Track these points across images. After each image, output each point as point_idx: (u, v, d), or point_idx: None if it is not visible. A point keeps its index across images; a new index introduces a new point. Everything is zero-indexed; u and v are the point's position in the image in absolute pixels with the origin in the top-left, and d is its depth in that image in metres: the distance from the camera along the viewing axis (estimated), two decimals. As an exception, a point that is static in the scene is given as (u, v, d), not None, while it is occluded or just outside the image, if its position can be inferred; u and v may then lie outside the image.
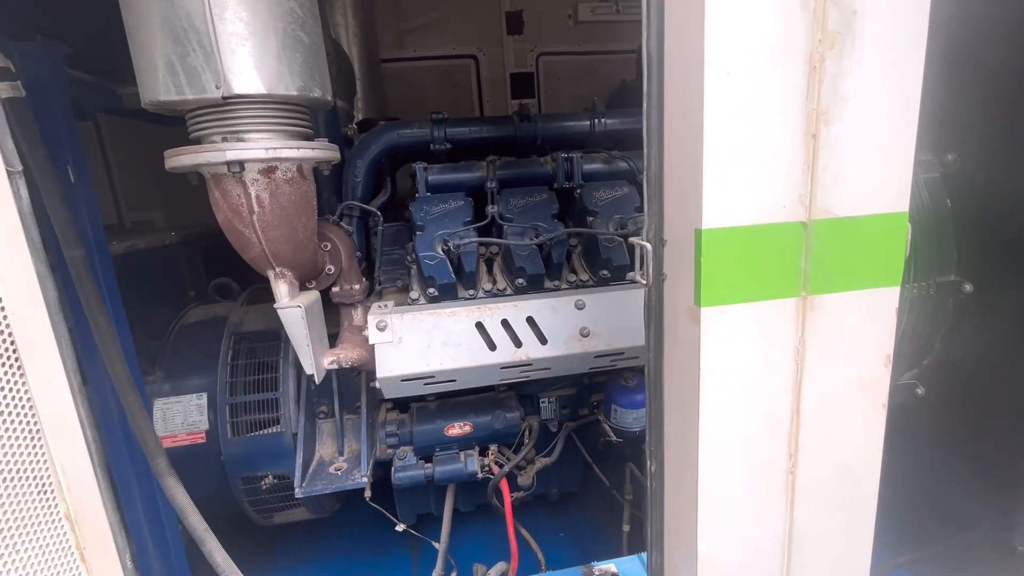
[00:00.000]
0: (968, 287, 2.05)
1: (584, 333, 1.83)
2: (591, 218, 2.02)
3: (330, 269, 1.97)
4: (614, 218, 1.99)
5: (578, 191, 2.12)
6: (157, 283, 2.49)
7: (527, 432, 2.38)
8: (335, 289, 2.02)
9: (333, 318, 2.12)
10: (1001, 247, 2.00)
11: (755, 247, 1.02)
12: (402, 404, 2.41)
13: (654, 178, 1.12)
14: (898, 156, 1.03)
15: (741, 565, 1.20)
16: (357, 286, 2.03)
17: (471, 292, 1.99)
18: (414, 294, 1.96)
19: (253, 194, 1.41)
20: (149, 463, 1.44)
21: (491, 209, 1.94)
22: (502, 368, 1.82)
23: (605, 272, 1.99)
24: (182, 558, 1.98)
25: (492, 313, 1.79)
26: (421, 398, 2.37)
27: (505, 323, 1.80)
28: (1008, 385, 2.00)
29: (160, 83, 1.27)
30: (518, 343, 1.79)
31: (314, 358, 1.69)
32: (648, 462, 1.31)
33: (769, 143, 0.98)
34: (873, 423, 1.16)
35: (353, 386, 2.32)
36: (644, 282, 1.12)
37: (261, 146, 1.35)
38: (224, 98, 1.29)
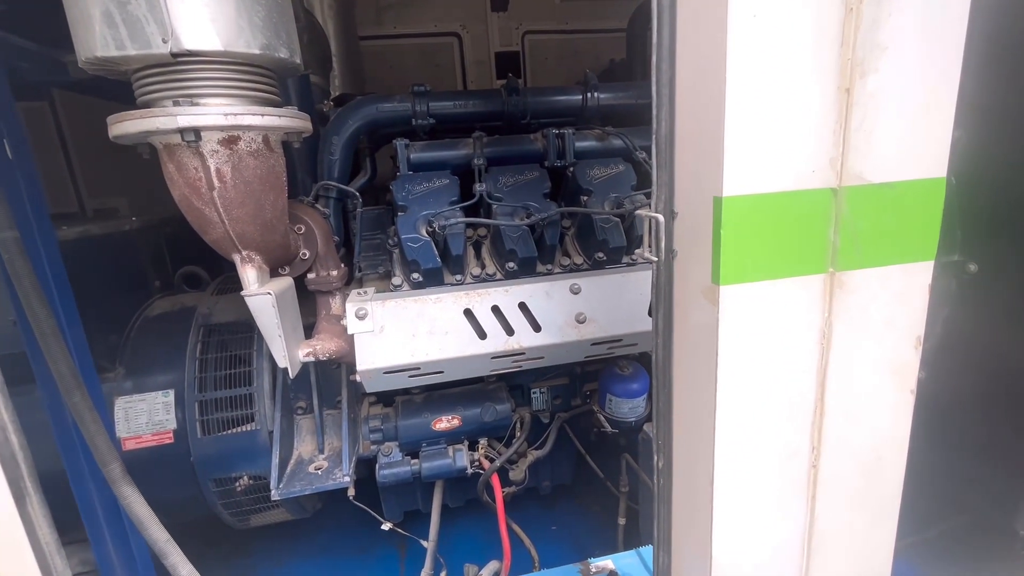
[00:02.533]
0: (973, 267, 1.99)
1: (580, 319, 1.71)
2: (585, 197, 1.90)
3: (304, 254, 1.81)
4: (610, 197, 1.87)
5: (571, 169, 1.99)
6: (116, 272, 2.30)
7: (519, 424, 2.27)
8: (311, 276, 1.87)
9: (309, 308, 1.98)
10: (1006, 227, 1.93)
11: (780, 218, 0.91)
12: (386, 398, 2.27)
13: (664, 143, 0.99)
14: (937, 115, 0.92)
15: (758, 564, 1.11)
16: (335, 272, 1.88)
17: (458, 277, 1.85)
18: (396, 280, 1.82)
19: (212, 167, 1.26)
20: (101, 469, 1.29)
21: (479, 187, 1.81)
22: (493, 358, 1.70)
23: (600, 255, 1.87)
24: (149, 569, 1.83)
25: (482, 299, 1.66)
26: (406, 391, 2.23)
27: (496, 310, 1.67)
28: (1010, 368, 1.95)
29: (97, 36, 1.10)
30: (510, 331, 1.67)
31: (287, 350, 1.55)
32: (655, 457, 1.20)
33: (799, 98, 0.86)
34: (901, 410, 1.07)
35: (333, 380, 2.17)
36: (654, 259, 1.00)
37: (219, 111, 1.19)
38: (173, 55, 1.13)
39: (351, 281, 2.06)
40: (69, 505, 1.63)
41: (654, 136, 1.01)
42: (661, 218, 0.98)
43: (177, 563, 1.31)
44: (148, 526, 1.29)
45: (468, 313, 1.65)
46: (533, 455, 2.37)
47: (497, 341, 1.66)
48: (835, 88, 0.87)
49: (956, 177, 2.03)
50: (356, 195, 1.99)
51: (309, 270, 1.87)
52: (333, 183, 2.01)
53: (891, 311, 1.00)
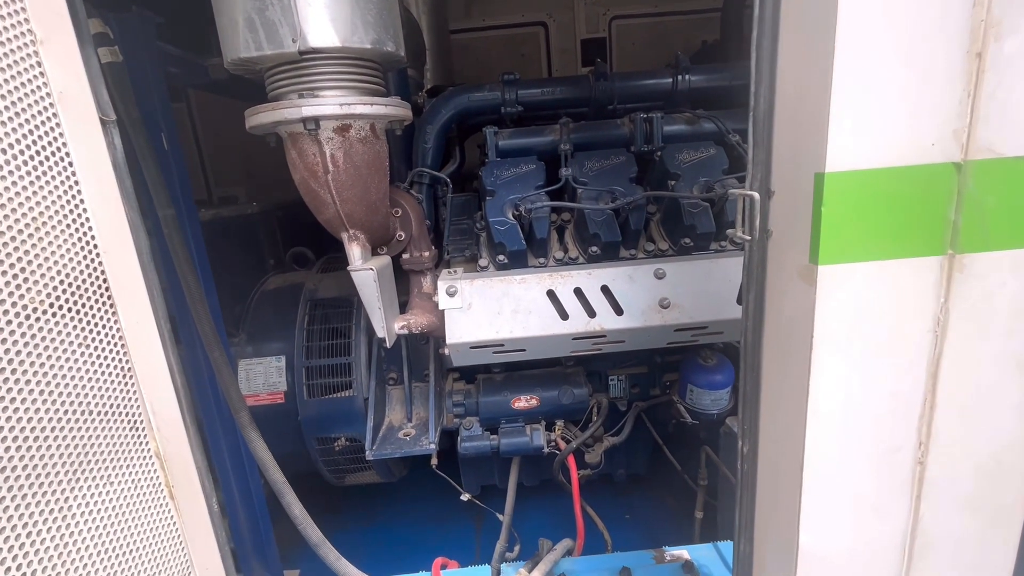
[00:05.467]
0: None
1: (664, 304, 1.70)
2: (673, 182, 1.87)
3: (400, 235, 1.95)
4: (699, 181, 1.82)
5: (658, 153, 1.96)
6: (240, 250, 2.61)
7: (595, 409, 2.29)
8: (405, 256, 2.01)
9: (403, 286, 2.13)
10: None
11: (891, 194, 0.86)
12: (468, 375, 2.39)
13: (763, 119, 0.97)
14: (1091, 79, 0.82)
15: (849, 562, 1.06)
16: (427, 253, 2.01)
17: (541, 260, 1.91)
18: (483, 261, 1.90)
19: (328, 152, 1.40)
20: (233, 416, 1.50)
21: (564, 171, 1.84)
22: (574, 339, 1.73)
23: (687, 240, 1.83)
24: (264, 508, 2.09)
25: (565, 281, 1.70)
26: (487, 369, 2.34)
27: (578, 292, 1.70)
28: None
29: (240, 40, 1.27)
30: (592, 313, 1.70)
31: (385, 322, 1.69)
32: (740, 442, 1.18)
33: (919, 63, 0.81)
34: (1029, 410, 0.96)
35: (422, 354, 2.32)
36: (747, 238, 0.98)
37: (335, 102, 1.33)
38: (300, 53, 1.28)
39: (440, 263, 2.19)
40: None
41: (751, 113, 0.99)
42: (756, 196, 0.96)
43: (291, 502, 1.49)
44: (269, 468, 1.49)
45: (551, 294, 1.70)
46: (609, 441, 2.38)
47: (578, 322, 1.69)
48: (964, 52, 0.80)
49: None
50: (447, 181, 2.10)
51: (404, 251, 2.02)
52: (427, 170, 2.14)
53: (1019, 298, 0.90)
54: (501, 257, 1.85)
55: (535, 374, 2.31)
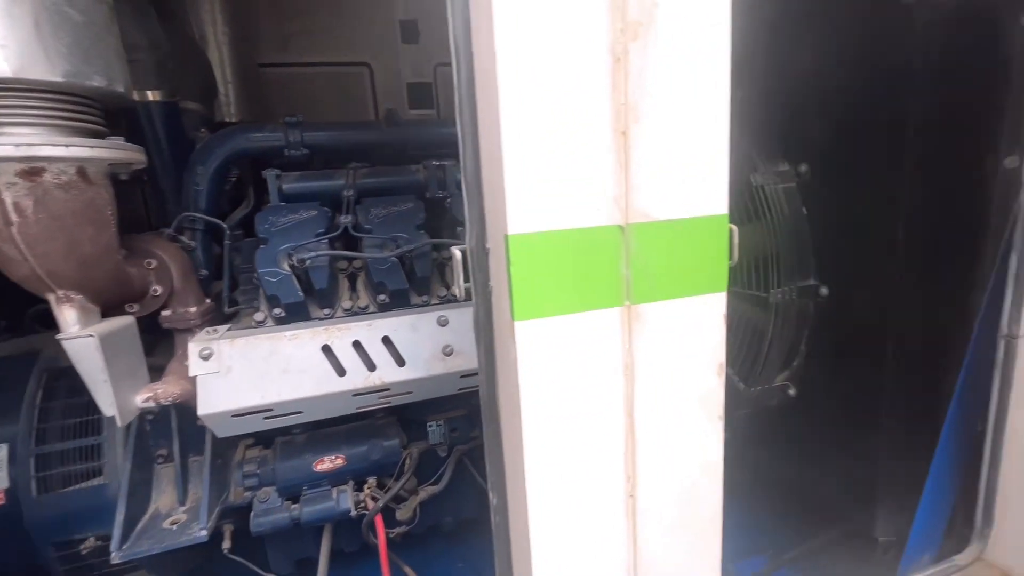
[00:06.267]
0: (824, 291, 2.15)
1: (447, 352, 1.69)
2: (461, 228, 1.90)
3: (156, 290, 1.70)
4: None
5: (449, 200, 2.00)
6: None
7: (406, 461, 2.19)
8: (165, 312, 1.75)
9: (169, 347, 1.84)
10: (849, 252, 2.12)
11: (572, 253, 0.94)
12: (266, 439, 2.14)
13: (471, 179, 1.01)
14: (713, 158, 0.99)
15: (587, 601, 1.10)
16: (193, 309, 1.77)
17: (327, 311, 1.79)
18: (260, 315, 1.73)
19: (9, 201, 1.15)
20: None
21: (344, 219, 1.77)
22: (355, 395, 1.64)
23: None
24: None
25: (343, 335, 1.61)
26: (286, 430, 2.11)
27: (357, 345, 1.62)
28: (860, 384, 2.11)
29: None
30: (372, 366, 1.62)
31: (118, 397, 1.42)
32: (489, 495, 1.18)
33: (578, 141, 0.90)
34: (711, 437, 1.11)
35: (198, 424, 2.02)
36: (460, 295, 1.00)
37: (11, 142, 1.10)
38: (-47, 80, 1.04)
39: (233, 316, 1.94)
40: None
41: (463, 174, 1.03)
42: (460, 254, 0.98)
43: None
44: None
45: (327, 349, 1.59)
46: (427, 491, 2.29)
47: (357, 377, 1.60)
48: (612, 131, 0.92)
49: (807, 207, 2.21)
50: (223, 226, 1.90)
51: (164, 306, 1.76)
52: (198, 214, 1.91)
53: (690, 341, 1.04)
54: (278, 311, 1.70)
55: (341, 430, 2.15)
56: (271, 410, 1.56)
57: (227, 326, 1.68)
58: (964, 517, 1.85)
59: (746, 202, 2.18)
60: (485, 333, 1.07)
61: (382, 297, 1.79)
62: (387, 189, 1.97)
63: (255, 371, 1.52)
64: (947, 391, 1.76)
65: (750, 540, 2.47)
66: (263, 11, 3.70)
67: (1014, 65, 1.55)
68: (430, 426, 2.33)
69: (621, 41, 0.89)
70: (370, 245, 1.78)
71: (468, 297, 1.08)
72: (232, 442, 2.12)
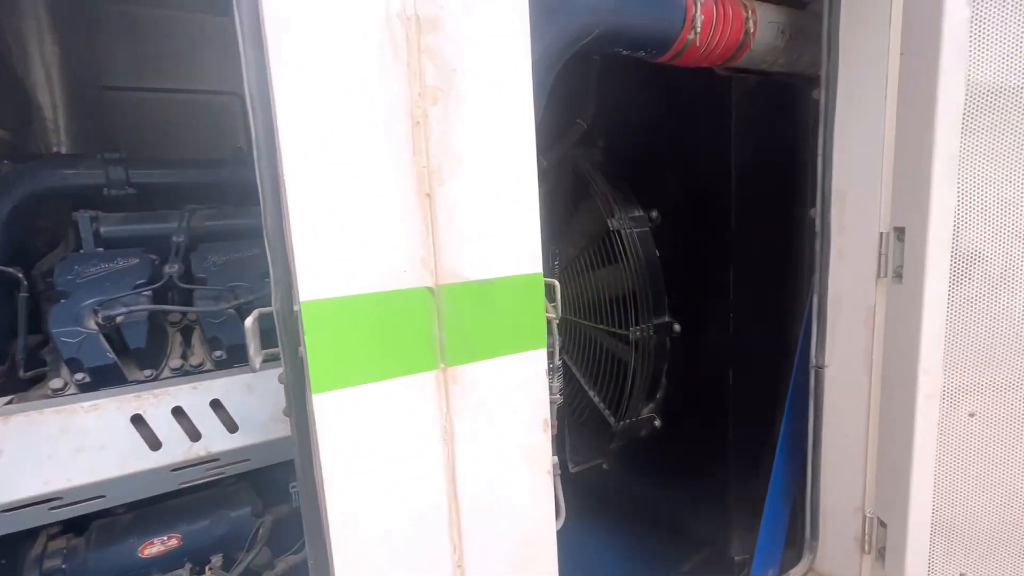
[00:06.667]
0: (677, 327, 2.32)
1: (288, 413, 1.55)
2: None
3: (-87, 357, 1.38)
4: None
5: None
6: None
7: (259, 531, 1.96)
8: (-72, 384, 1.43)
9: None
10: (695, 291, 2.31)
11: (378, 318, 0.89)
12: (79, 524, 1.81)
13: (274, 236, 0.94)
14: (524, 217, 1.01)
15: None
16: (-32, 377, 1.47)
17: (150, 373, 1.58)
18: (57, 383, 1.47)
19: None
20: None
21: (169, 269, 1.59)
22: (174, 470, 1.44)
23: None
24: None
25: (159, 401, 1.41)
26: (106, 511, 1.80)
27: (178, 412, 1.43)
28: (711, 413, 2.28)
29: None
30: (195, 435, 1.44)
31: None
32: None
33: (378, 204, 0.87)
34: (542, 493, 1.10)
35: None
36: (255, 366, 0.91)
37: None
38: None
39: (39, 382, 1.62)
40: None
41: (264, 231, 0.95)
42: (252, 320, 0.90)
43: None
44: None
45: (137, 420, 1.39)
46: (285, 563, 2.07)
47: (176, 450, 1.41)
48: (415, 193, 0.90)
49: (660, 250, 2.38)
50: (18, 276, 1.62)
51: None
52: (-15, 262, 1.62)
53: (512, 399, 1.03)
54: (81, 376, 1.46)
55: (178, 504, 1.87)
56: (60, 499, 1.31)
57: (7, 398, 1.41)
58: (799, 532, 2.03)
59: (604, 246, 2.30)
60: (297, 404, 0.98)
61: (218, 354, 1.62)
62: (230, 234, 1.81)
63: (37, 453, 1.27)
64: (781, 417, 1.94)
65: (630, 572, 2.53)
66: (112, 28, 3.36)
67: (809, 131, 1.80)
68: (293, 487, 2.12)
69: (420, 105, 0.88)
70: (204, 297, 1.60)
71: (288, 364, 0.99)
72: (31, 531, 1.77)
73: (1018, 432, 1.48)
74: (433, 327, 0.94)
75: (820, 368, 1.81)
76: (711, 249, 2.19)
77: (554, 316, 1.08)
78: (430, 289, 0.93)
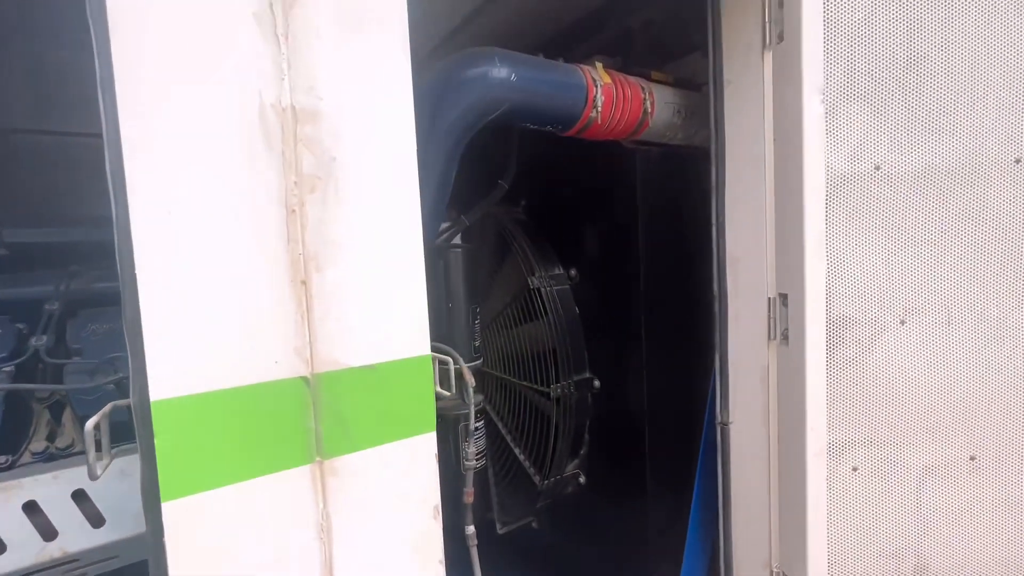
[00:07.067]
0: (597, 383, 2.36)
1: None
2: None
3: None
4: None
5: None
6: None
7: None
8: None
9: None
10: (612, 347, 2.38)
11: (242, 413, 0.84)
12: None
13: (132, 322, 0.87)
14: (410, 299, 1.00)
15: None
16: None
17: (5, 459, 1.40)
18: None
19: None
20: None
21: (36, 341, 1.45)
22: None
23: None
24: None
25: (8, 496, 1.25)
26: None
27: (31, 507, 1.27)
28: (631, 467, 2.31)
29: None
30: (51, 534, 1.28)
31: None
32: None
33: (245, 292, 0.84)
34: (432, 584, 1.05)
35: None
36: (93, 474, 0.83)
37: None
38: None
39: None
40: None
41: (124, 321, 0.89)
42: (94, 426, 0.82)
43: None
44: None
45: (-22, 520, 1.22)
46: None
47: (27, 551, 1.24)
48: (290, 282, 0.88)
49: (580, 307, 2.44)
50: None
51: None
52: None
53: (398, 488, 0.99)
54: (-88, 468, 1.27)
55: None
56: None
57: None
58: (716, 584, 2.06)
59: (526, 303, 2.34)
60: (152, 510, 0.89)
61: (92, 433, 1.46)
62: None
63: None
64: (695, 472, 1.99)
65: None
66: (14, 65, 3.15)
67: (708, 197, 1.93)
68: None
69: (296, 194, 0.87)
70: (78, 371, 1.46)
71: (144, 462, 0.90)
72: None
73: (894, 484, 1.58)
74: (308, 418, 0.89)
75: (725, 425, 1.88)
76: (625, 307, 2.27)
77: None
78: (305, 379, 0.89)
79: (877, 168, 1.48)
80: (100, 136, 0.82)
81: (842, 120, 1.46)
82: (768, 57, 1.59)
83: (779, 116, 1.58)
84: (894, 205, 1.50)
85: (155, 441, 0.76)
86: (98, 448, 0.94)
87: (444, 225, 1.94)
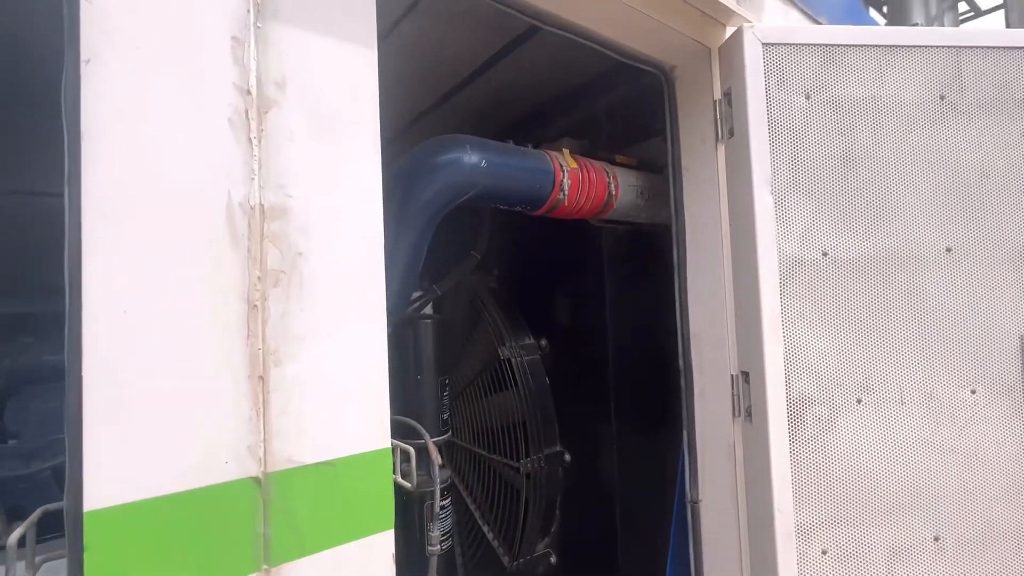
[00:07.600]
0: (568, 456, 2.32)
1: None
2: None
3: None
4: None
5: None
6: None
7: None
8: None
9: None
10: (583, 419, 2.36)
11: (188, 519, 0.79)
12: None
13: (72, 427, 0.83)
14: (372, 392, 0.99)
15: None
16: None
17: (-85, 557, 1.26)
18: None
19: None
20: None
21: (-30, 425, 1.36)
22: None
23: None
24: None
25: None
26: None
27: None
28: (602, 546, 2.23)
29: None
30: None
31: None
32: None
33: (196, 389, 0.81)
34: None
35: None
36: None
37: None
38: None
39: None
40: None
41: (65, 419, 0.85)
42: (17, 532, 0.77)
43: None
44: None
45: None
46: None
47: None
48: (247, 377, 0.86)
49: (550, 378, 2.43)
50: None
51: None
52: None
53: (352, 593, 0.94)
54: None
55: None
56: None
57: None
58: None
59: (496, 373, 2.32)
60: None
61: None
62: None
63: None
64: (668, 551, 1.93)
65: None
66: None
67: (672, 272, 2.00)
68: None
69: (259, 288, 0.87)
70: (11, 455, 1.37)
71: None
72: None
73: (864, 567, 1.57)
74: (257, 523, 0.85)
75: (695, 503, 1.86)
76: (594, 376, 2.28)
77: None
78: (256, 479, 0.85)
79: (825, 254, 1.58)
80: (62, 196, 0.81)
81: (791, 209, 1.57)
82: (721, 150, 1.72)
83: (733, 203, 1.68)
84: (843, 288, 1.58)
85: (85, 556, 0.71)
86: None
87: (416, 295, 1.94)
